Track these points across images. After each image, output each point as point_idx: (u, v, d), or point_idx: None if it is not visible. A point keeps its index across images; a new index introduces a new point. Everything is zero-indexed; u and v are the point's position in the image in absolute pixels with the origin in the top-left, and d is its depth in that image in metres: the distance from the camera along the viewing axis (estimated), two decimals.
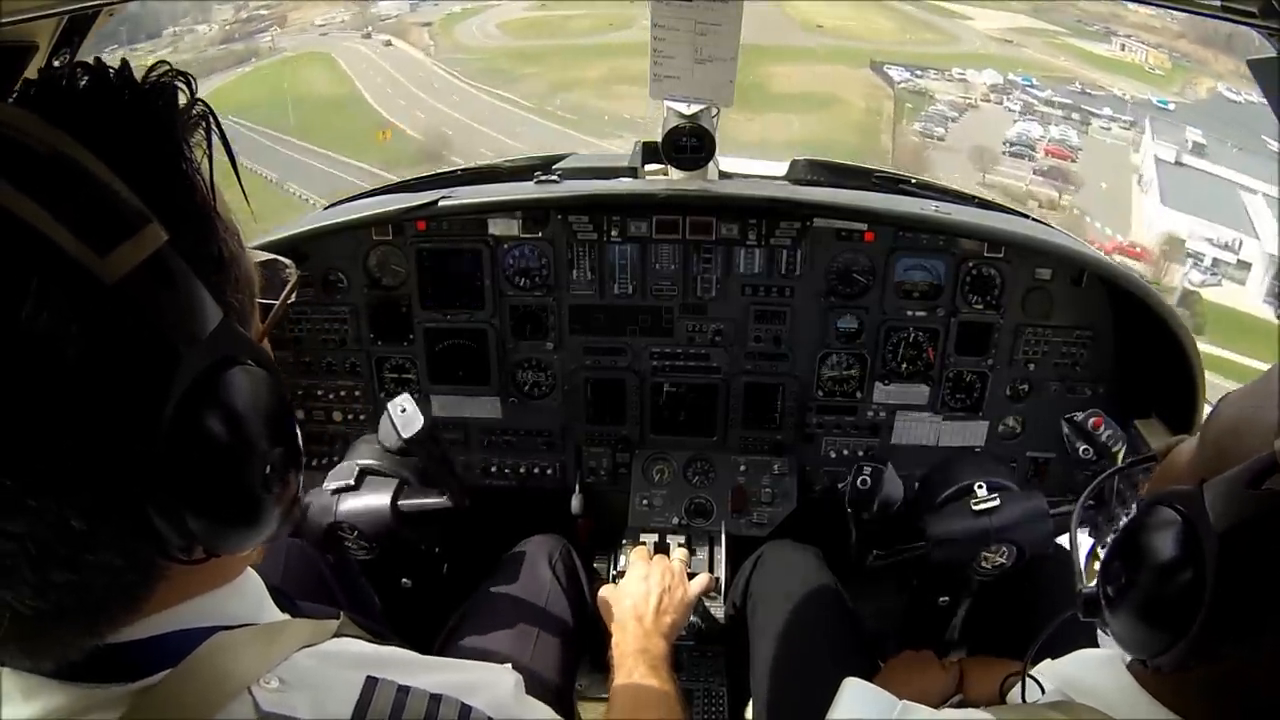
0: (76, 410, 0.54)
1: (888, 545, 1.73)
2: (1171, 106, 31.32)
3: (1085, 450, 1.69)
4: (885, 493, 1.68)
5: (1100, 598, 0.80)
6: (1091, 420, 1.70)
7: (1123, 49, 36.02)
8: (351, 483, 1.71)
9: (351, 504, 1.69)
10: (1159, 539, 0.72)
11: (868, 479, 1.68)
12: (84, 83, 0.61)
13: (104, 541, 0.58)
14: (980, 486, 1.70)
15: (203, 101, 0.66)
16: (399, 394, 1.66)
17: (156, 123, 0.63)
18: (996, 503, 1.67)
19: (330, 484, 1.71)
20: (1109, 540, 0.82)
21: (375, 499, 1.69)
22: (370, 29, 39.67)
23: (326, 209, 2.28)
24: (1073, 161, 29.45)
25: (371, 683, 0.71)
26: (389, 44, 38.54)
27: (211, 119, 0.66)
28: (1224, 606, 0.66)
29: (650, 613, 1.64)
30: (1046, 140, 30.44)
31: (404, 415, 1.62)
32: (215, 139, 0.67)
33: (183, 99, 0.65)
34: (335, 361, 2.23)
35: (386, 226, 2.08)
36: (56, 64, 1.16)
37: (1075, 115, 31.82)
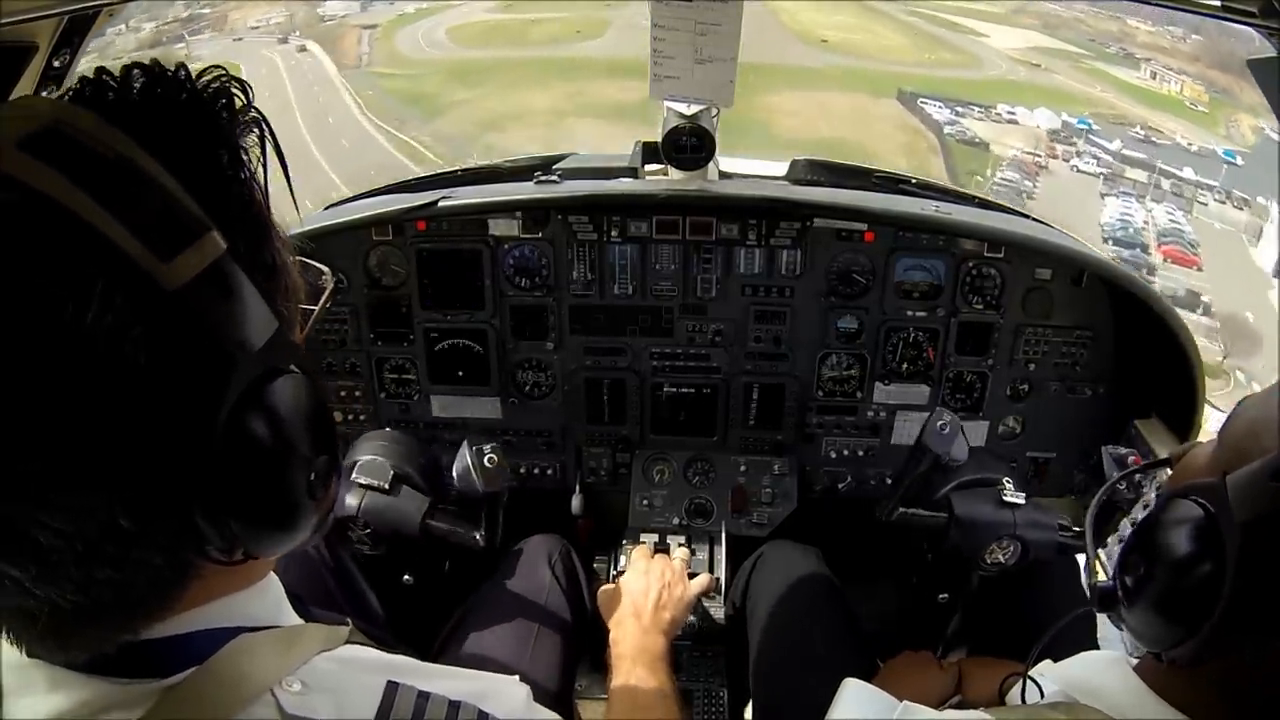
0: (133, 412, 0.55)
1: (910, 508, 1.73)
2: (1239, 161, 26.17)
3: (1121, 482, 1.72)
4: (956, 445, 1.64)
5: (1117, 590, 0.80)
6: (1131, 458, 1.72)
7: (1154, 77, 32.82)
8: (386, 486, 1.67)
9: (379, 506, 1.66)
10: (1180, 531, 0.72)
11: (947, 424, 1.63)
12: (140, 84, 0.61)
13: (150, 541, 0.59)
14: (1008, 480, 1.71)
15: (256, 108, 0.66)
16: (484, 440, 1.65)
17: (214, 127, 0.63)
18: (1023, 500, 1.68)
19: (360, 478, 1.67)
20: (1126, 533, 0.82)
21: (407, 511, 1.66)
22: (296, 32, 34.18)
23: (326, 209, 2.28)
24: (1199, 269, 22.44)
25: (392, 688, 0.72)
26: (303, 49, 32.91)
27: (265, 126, 0.67)
28: (1245, 598, 0.67)
29: (649, 609, 1.65)
30: (1155, 234, 23.48)
31: (491, 469, 1.61)
32: (269, 147, 0.67)
33: (237, 103, 0.65)
34: (335, 361, 2.23)
35: (386, 226, 2.08)
36: (56, 64, 1.16)
37: (1165, 183, 25.65)
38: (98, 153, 0.55)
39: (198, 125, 0.62)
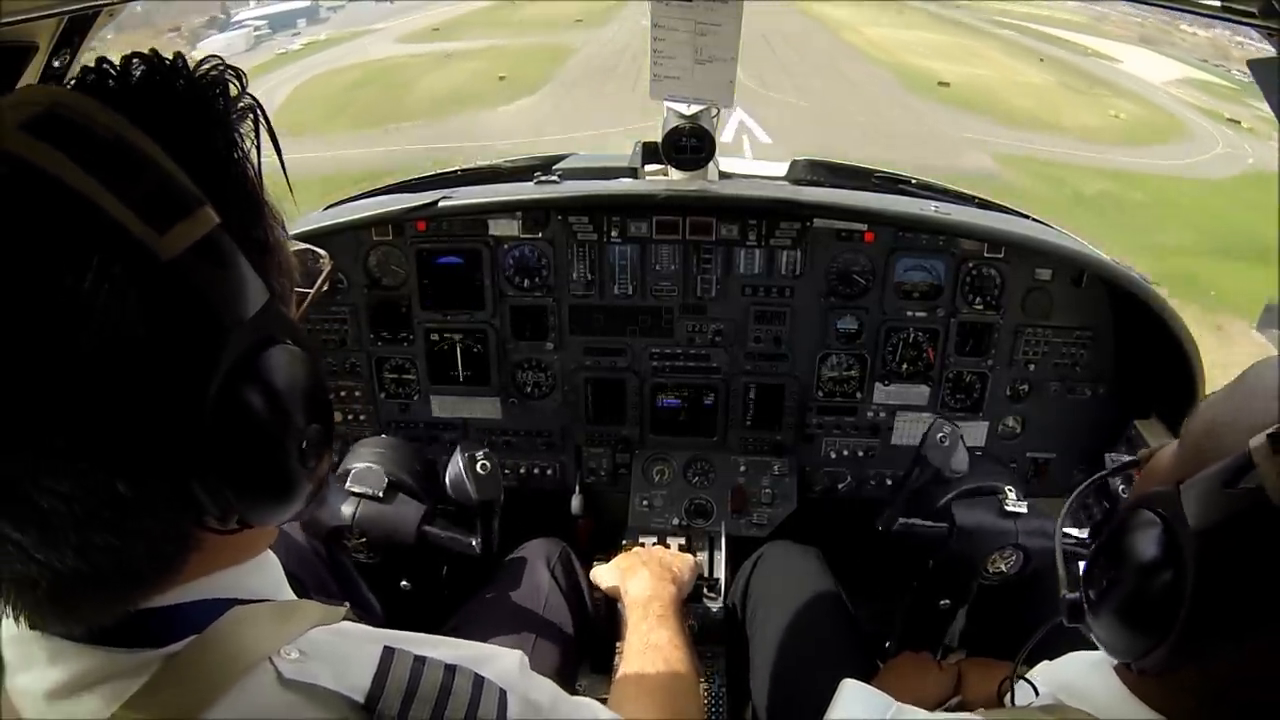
0: (130, 378, 0.57)
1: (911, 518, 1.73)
2: None
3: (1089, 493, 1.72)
4: (956, 457, 1.63)
5: (1083, 602, 0.80)
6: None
7: None
8: (380, 494, 1.65)
9: (374, 515, 1.64)
10: (1137, 541, 0.72)
11: (947, 436, 1.63)
12: (139, 73, 0.64)
13: (146, 507, 0.60)
14: (1010, 489, 1.70)
15: (251, 95, 0.68)
16: (477, 447, 1.64)
17: (210, 112, 0.66)
18: (1025, 508, 1.67)
19: (355, 486, 1.66)
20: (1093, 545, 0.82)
21: (402, 519, 1.65)
22: None
23: (326, 209, 2.28)
24: None
25: (389, 653, 0.73)
26: None
27: (260, 111, 0.69)
28: (1205, 606, 0.66)
29: (657, 561, 1.67)
30: None
31: (484, 477, 1.59)
32: (263, 132, 0.69)
33: (233, 91, 0.67)
34: (335, 361, 2.23)
35: (386, 226, 2.08)
36: (56, 64, 1.16)
37: None
38: (95, 133, 0.58)
39: (193, 109, 0.65)
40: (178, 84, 0.64)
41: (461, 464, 1.61)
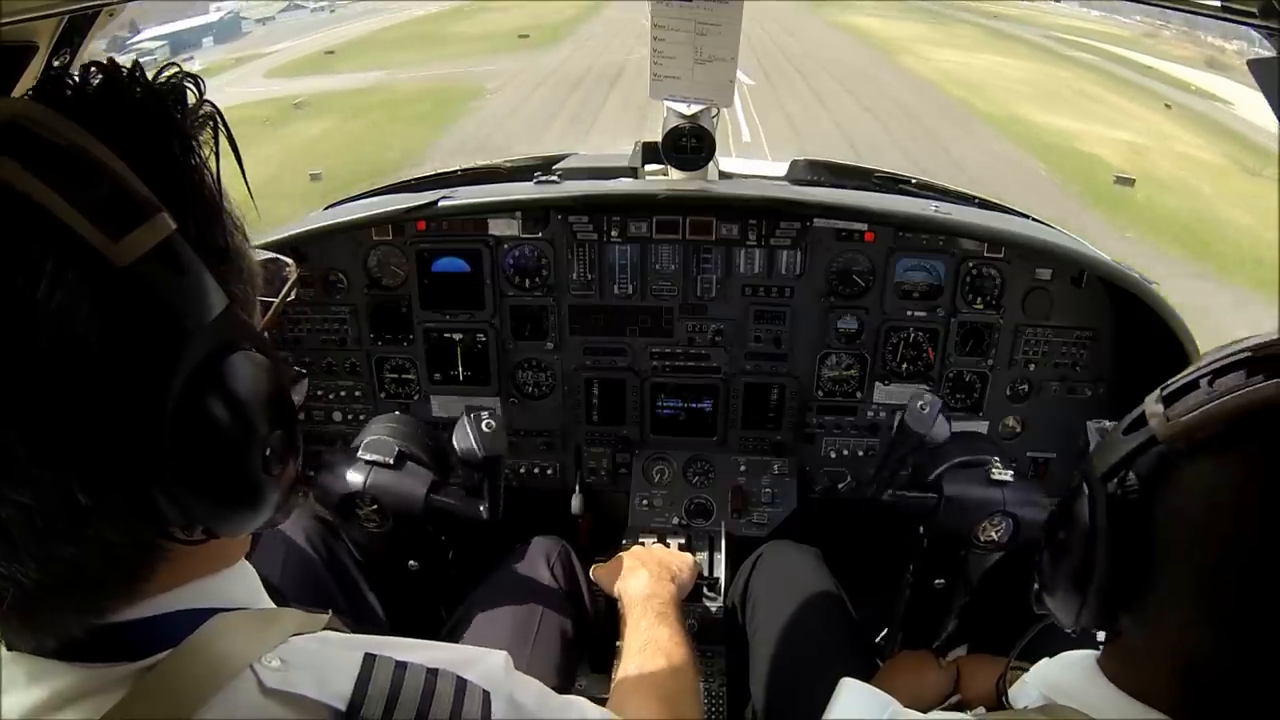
0: (86, 386, 0.57)
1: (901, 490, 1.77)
2: None
3: None
4: (937, 425, 1.68)
5: (1040, 588, 0.87)
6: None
7: None
8: (391, 461, 1.70)
9: (385, 481, 1.69)
10: (1068, 506, 0.81)
11: (927, 404, 1.68)
12: (97, 81, 0.64)
13: (106, 517, 0.60)
14: (997, 459, 1.74)
15: (210, 102, 0.68)
16: (481, 408, 1.72)
17: (167, 119, 0.65)
18: (1011, 476, 1.70)
19: (366, 455, 1.70)
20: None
21: (412, 485, 1.69)
22: None
23: (326, 209, 2.29)
24: None
25: (370, 659, 0.72)
26: None
27: (219, 119, 0.68)
28: (1116, 543, 0.73)
29: (656, 560, 1.68)
30: None
31: (489, 434, 1.66)
32: (223, 139, 0.69)
33: (191, 99, 0.67)
34: (335, 361, 2.24)
35: (386, 226, 2.09)
36: (56, 64, 1.16)
37: None
38: (51, 141, 0.58)
39: (150, 116, 0.64)
40: (135, 92, 0.64)
41: (468, 424, 1.67)
